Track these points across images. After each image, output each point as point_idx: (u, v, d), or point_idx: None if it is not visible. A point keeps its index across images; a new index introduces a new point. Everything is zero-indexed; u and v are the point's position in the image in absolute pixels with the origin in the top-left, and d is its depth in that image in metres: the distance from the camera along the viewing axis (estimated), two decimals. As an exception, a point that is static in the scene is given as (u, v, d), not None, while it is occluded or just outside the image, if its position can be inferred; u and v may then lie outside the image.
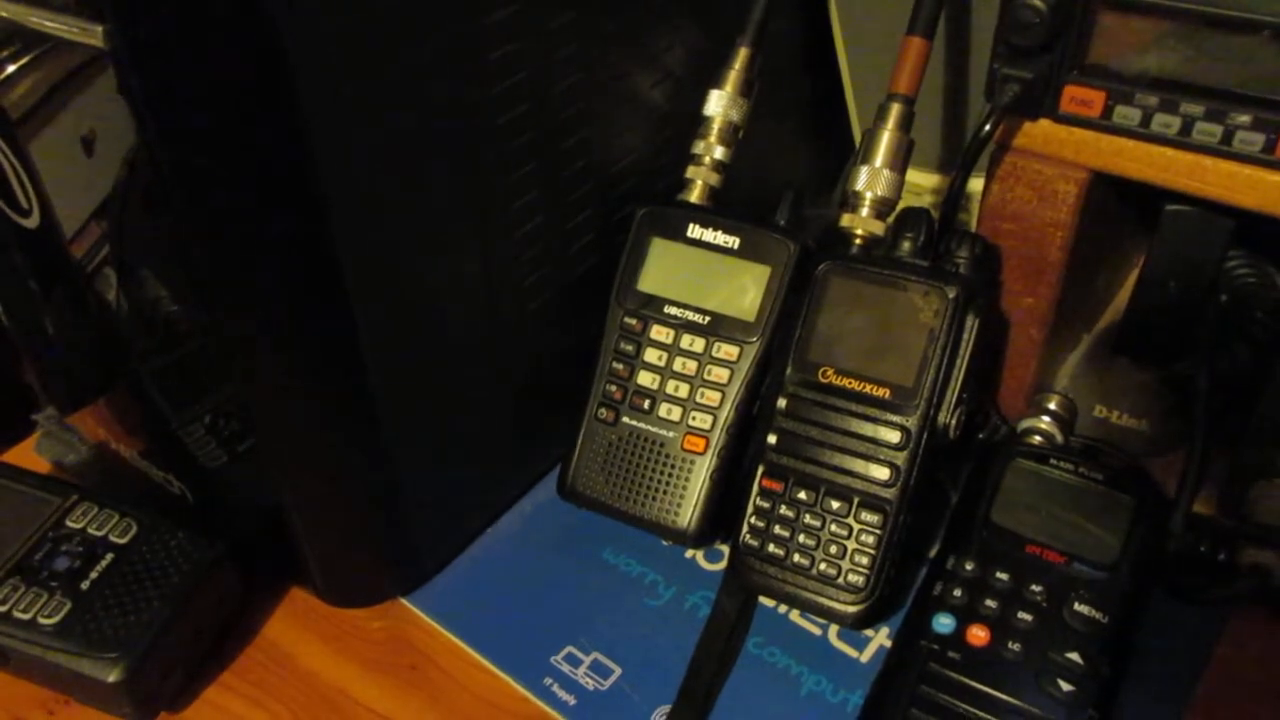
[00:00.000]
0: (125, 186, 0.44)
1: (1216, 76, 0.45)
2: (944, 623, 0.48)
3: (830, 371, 0.51)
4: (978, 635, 0.48)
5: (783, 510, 0.51)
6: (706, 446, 0.54)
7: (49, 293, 0.54)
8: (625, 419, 0.56)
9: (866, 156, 0.51)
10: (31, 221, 0.49)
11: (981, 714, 0.45)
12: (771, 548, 0.51)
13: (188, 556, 0.52)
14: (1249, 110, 0.45)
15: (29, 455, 0.65)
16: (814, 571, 0.50)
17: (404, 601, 0.56)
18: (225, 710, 0.52)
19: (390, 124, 0.44)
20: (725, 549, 0.56)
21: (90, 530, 0.54)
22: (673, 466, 0.54)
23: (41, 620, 0.50)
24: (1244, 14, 0.43)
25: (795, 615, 0.54)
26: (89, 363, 0.57)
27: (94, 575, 0.52)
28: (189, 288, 0.46)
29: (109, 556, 0.52)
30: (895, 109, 0.51)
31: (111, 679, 0.48)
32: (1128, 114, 0.47)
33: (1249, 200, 0.47)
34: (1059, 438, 0.56)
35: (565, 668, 0.52)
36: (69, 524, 0.54)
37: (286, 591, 0.57)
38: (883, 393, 0.50)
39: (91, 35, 0.38)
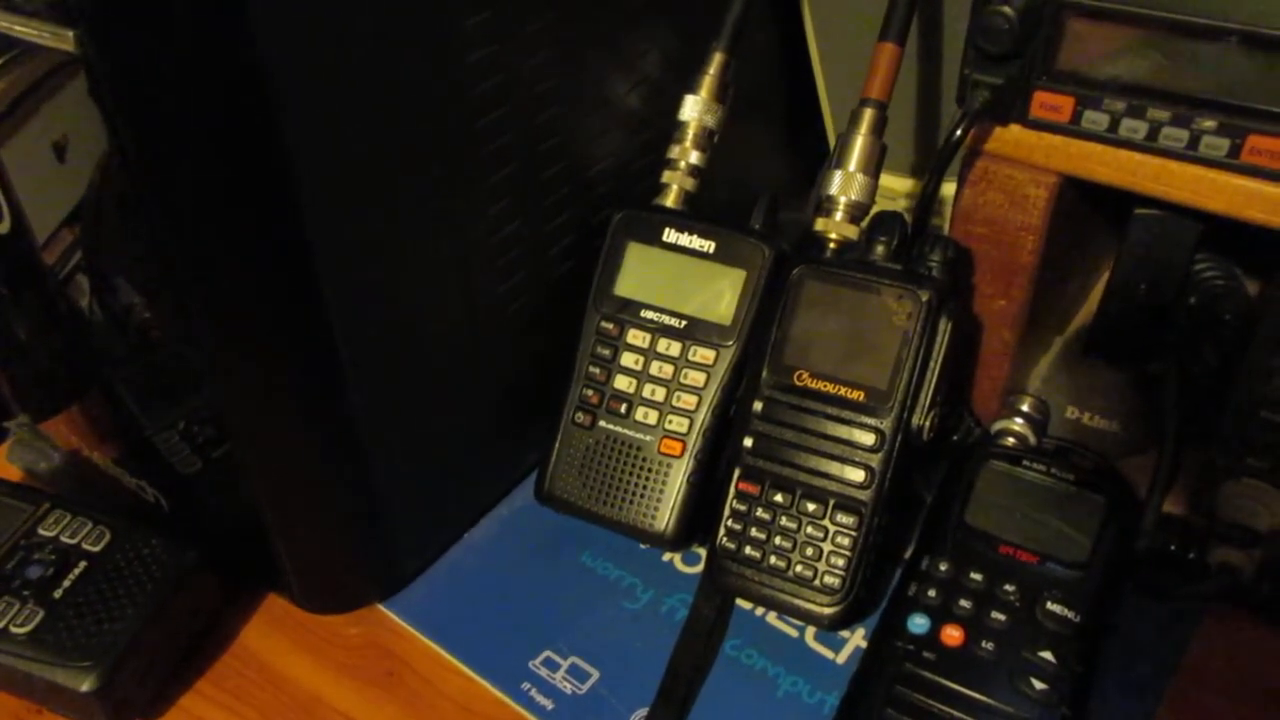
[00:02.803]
0: (98, 192, 0.44)
1: (1183, 82, 0.46)
2: (919, 623, 0.49)
3: (805, 375, 0.51)
4: (952, 635, 0.48)
5: (759, 513, 0.51)
6: (683, 450, 0.54)
7: (20, 299, 0.54)
8: (602, 423, 0.56)
9: (840, 161, 0.52)
10: (2, 227, 0.48)
11: (956, 713, 0.46)
12: (748, 550, 0.51)
13: (162, 564, 0.52)
14: (1214, 115, 0.45)
15: (0, 463, 0.64)
16: (790, 573, 0.51)
17: (381, 607, 0.56)
18: (200, 718, 0.52)
19: (366, 127, 0.44)
20: (702, 552, 0.56)
21: (63, 538, 0.53)
22: (649, 470, 0.55)
23: (14, 629, 0.49)
24: (1210, 21, 0.44)
25: (772, 617, 0.54)
26: (61, 369, 0.57)
27: (67, 583, 0.51)
28: (163, 293, 0.46)
29: (82, 564, 0.52)
30: (869, 114, 0.52)
31: (85, 688, 0.48)
32: (1096, 119, 0.48)
33: (1215, 204, 0.47)
34: (1031, 439, 0.57)
35: (543, 672, 0.52)
36: (41, 532, 0.53)
37: (263, 598, 0.57)
38: (857, 395, 0.50)
39: (63, 40, 0.37)
